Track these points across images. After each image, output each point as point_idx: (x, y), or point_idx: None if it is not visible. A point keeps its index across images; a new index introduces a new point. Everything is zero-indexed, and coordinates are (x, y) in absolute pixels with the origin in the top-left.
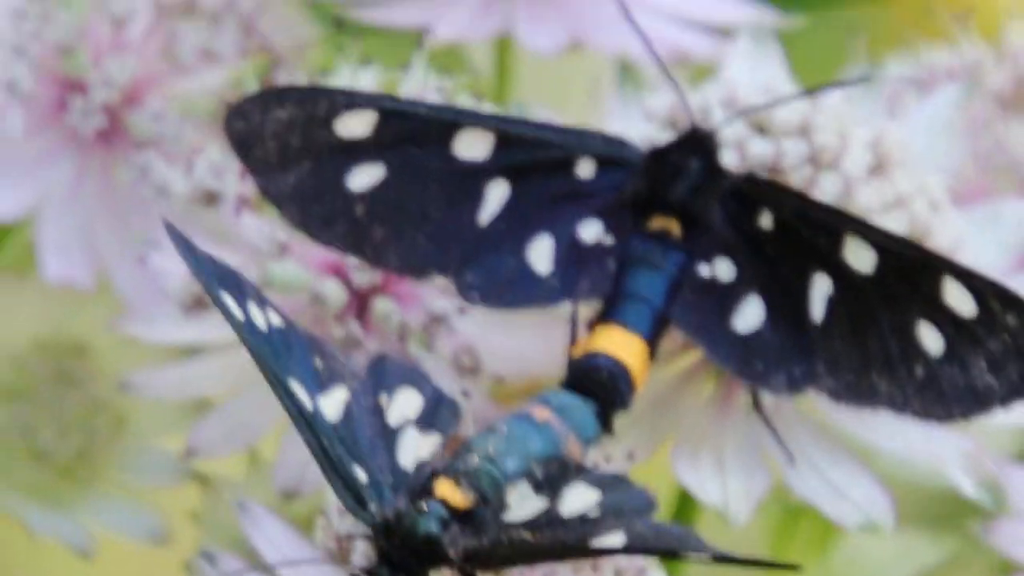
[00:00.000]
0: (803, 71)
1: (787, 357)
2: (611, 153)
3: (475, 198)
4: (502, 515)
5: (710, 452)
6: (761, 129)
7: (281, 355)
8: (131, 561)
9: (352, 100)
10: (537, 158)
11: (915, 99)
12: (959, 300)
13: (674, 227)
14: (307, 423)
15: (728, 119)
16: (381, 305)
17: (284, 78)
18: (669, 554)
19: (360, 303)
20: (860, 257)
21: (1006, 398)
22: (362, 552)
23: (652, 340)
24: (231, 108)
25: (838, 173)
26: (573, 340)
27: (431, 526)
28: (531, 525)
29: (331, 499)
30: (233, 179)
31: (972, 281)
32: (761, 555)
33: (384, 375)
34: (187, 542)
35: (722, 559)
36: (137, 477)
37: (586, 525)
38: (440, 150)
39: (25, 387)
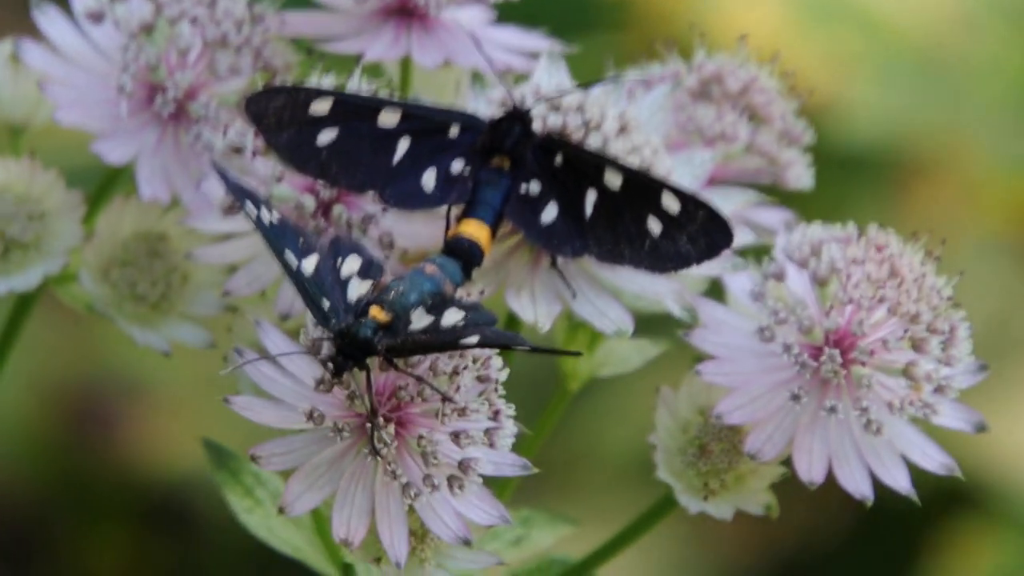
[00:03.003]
0: (578, 76)
1: (571, 237)
2: (469, 123)
3: (390, 149)
4: (408, 326)
5: (527, 291)
6: (555, 108)
7: (279, 237)
8: (194, 356)
9: (319, 93)
10: (426, 126)
11: (643, 92)
12: (671, 203)
13: (506, 164)
14: (295, 275)
15: (535, 103)
16: (337, 209)
17: (279, 82)
18: (504, 347)
19: (325, 208)
20: (613, 179)
21: (699, 259)
22: (327, 348)
23: (493, 227)
24: (248, 97)
25: (600, 133)
26: (447, 228)
27: (367, 332)
28: (425, 331)
29: (308, 318)
30: (250, 139)
31: (678, 192)
32: (558, 347)
33: (339, 248)
34: (225, 345)
35: (535, 350)
36: (196, 309)
37: (456, 331)
38: (370, 122)
39: (130, 259)
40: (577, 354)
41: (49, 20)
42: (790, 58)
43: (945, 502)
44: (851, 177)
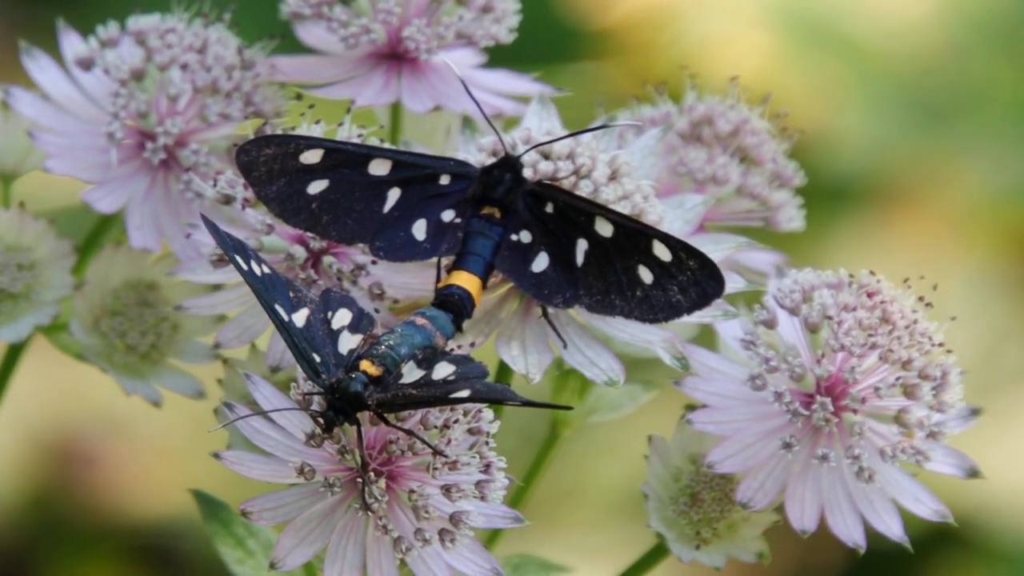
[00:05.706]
0: (566, 111)
1: (562, 286)
2: (459, 170)
3: (381, 198)
4: (399, 380)
5: (517, 341)
6: (545, 156)
7: (269, 290)
8: (183, 407)
9: (309, 142)
10: (417, 174)
11: (634, 136)
12: (661, 251)
13: (497, 213)
14: (285, 329)
15: (526, 150)
16: (327, 260)
17: (269, 130)
18: (496, 401)
19: (315, 259)
20: (604, 228)
21: (690, 309)
22: (317, 402)
23: (484, 278)
24: (239, 147)
25: (591, 180)
26: (438, 279)
27: (357, 387)
28: (415, 385)
29: (299, 372)
30: (240, 189)
31: (668, 240)
32: (547, 401)
33: (330, 300)
34: (215, 397)
35: (526, 403)
36: (186, 360)
37: (447, 385)
38: (360, 170)
39: (120, 308)
40: (568, 408)
41: (39, 67)
42: (777, 88)
43: (935, 539)
44: (838, 206)
